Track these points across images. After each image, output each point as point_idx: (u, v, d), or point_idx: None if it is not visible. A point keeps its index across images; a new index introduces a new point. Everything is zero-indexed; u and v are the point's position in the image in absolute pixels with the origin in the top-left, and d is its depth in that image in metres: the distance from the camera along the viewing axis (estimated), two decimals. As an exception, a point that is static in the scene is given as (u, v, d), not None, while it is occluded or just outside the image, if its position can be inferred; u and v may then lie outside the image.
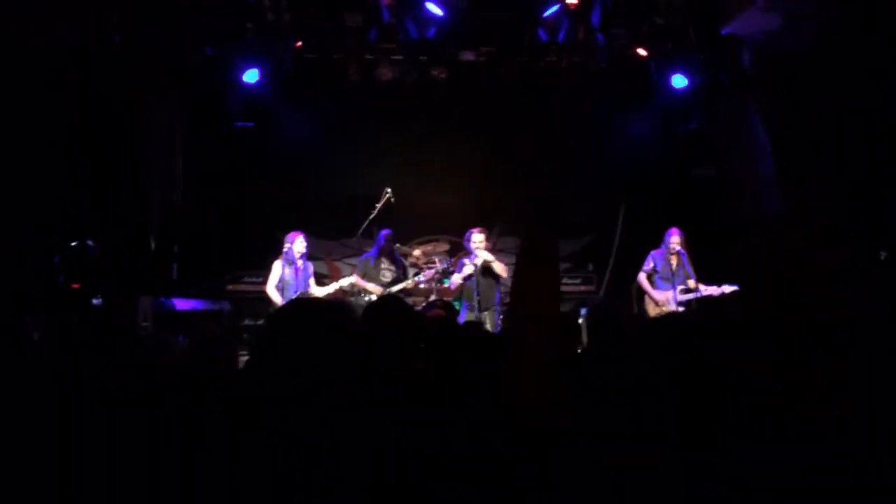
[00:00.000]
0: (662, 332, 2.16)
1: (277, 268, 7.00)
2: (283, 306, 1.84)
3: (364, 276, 7.30)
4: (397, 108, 8.94)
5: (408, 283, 7.36)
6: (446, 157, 8.94)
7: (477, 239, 6.92)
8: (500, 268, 6.86)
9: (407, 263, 7.90)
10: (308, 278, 7.09)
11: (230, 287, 8.37)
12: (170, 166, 8.59)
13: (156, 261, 8.17)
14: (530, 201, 7.75)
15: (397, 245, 7.70)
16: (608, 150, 8.88)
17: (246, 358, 2.72)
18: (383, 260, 7.39)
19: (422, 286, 7.66)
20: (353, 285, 7.23)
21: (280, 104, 8.60)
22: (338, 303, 1.98)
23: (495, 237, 8.50)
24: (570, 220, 9.00)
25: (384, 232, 7.42)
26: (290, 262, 6.96)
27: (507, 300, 7.03)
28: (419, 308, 7.05)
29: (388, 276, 7.39)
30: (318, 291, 7.08)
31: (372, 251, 7.47)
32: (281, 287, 6.89)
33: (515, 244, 9.43)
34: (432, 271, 7.55)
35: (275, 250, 7.14)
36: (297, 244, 6.98)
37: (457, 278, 6.95)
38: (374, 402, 1.60)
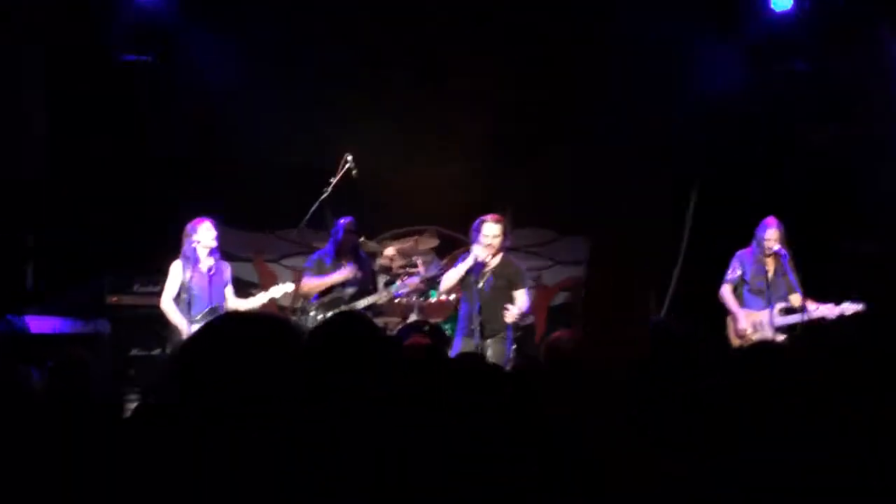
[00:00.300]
0: (753, 371, 2.42)
1: (176, 272, 7.05)
2: (194, 335, 1.93)
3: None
4: (361, 33, 8.92)
5: (379, 297, 7.50)
6: (437, 110, 8.92)
7: (490, 231, 6.94)
8: (522, 300, 6.96)
9: (376, 267, 8.04)
10: (224, 286, 7.17)
11: (113, 299, 8.34)
12: (21, 120, 8.61)
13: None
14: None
15: (362, 240, 7.84)
16: (676, 103, 8.82)
17: (135, 404, 2.87)
18: (343, 262, 7.48)
19: (399, 300, 7.86)
20: (298, 297, 7.42)
21: (187, 31, 8.66)
22: (275, 319, 1.98)
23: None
24: (615, 204, 8.98)
25: (344, 220, 7.50)
26: (193, 263, 7.01)
27: (526, 323, 7.31)
28: (392, 332, 7.12)
29: (349, 285, 7.51)
30: (239, 305, 7.13)
31: (326, 248, 7.56)
32: (187, 300, 6.94)
33: (535, 238, 9.69)
34: (415, 279, 7.61)
35: (176, 246, 7.24)
36: (204, 236, 7.02)
37: (452, 276, 6.99)
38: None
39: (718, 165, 8.98)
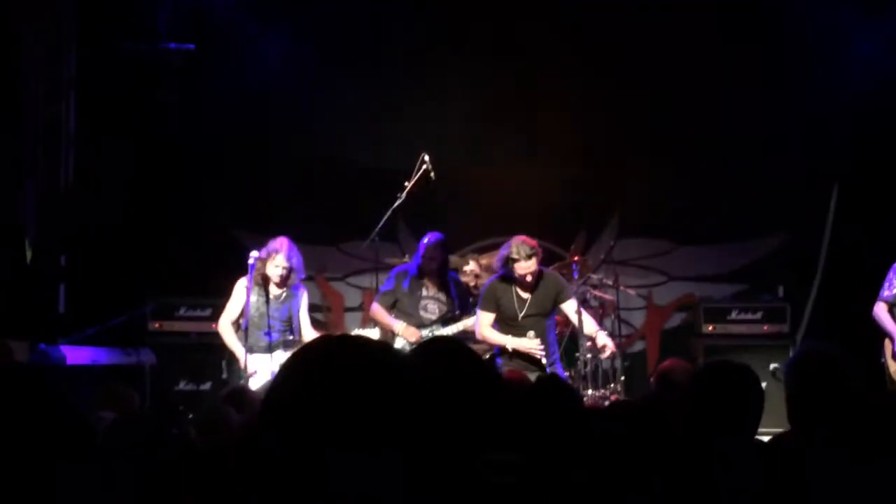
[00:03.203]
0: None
1: (240, 292, 7.04)
2: (287, 364, 1.89)
3: (392, 308, 7.45)
4: (440, 20, 9.03)
5: (469, 322, 7.35)
6: (527, 104, 8.97)
7: (525, 270, 6.88)
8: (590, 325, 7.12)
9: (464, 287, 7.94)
10: (298, 312, 7.21)
11: (155, 325, 8.48)
12: (48, 118, 8.55)
13: (32, 281, 8.22)
14: None
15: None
16: (814, 86, 8.78)
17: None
18: (427, 283, 7.49)
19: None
20: (367, 321, 7.74)
21: (239, 18, 8.83)
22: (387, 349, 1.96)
23: (612, 238, 9.07)
24: (744, 208, 9.14)
25: (432, 238, 7.45)
26: (265, 285, 7.07)
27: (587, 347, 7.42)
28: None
29: (432, 309, 7.53)
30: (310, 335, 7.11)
31: (410, 264, 7.60)
32: (252, 323, 7.01)
33: (645, 250, 9.70)
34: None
35: (235, 266, 7.24)
36: (279, 258, 7.00)
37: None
38: None
39: (865, 161, 8.95)
